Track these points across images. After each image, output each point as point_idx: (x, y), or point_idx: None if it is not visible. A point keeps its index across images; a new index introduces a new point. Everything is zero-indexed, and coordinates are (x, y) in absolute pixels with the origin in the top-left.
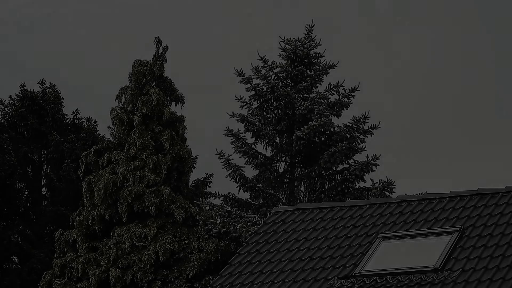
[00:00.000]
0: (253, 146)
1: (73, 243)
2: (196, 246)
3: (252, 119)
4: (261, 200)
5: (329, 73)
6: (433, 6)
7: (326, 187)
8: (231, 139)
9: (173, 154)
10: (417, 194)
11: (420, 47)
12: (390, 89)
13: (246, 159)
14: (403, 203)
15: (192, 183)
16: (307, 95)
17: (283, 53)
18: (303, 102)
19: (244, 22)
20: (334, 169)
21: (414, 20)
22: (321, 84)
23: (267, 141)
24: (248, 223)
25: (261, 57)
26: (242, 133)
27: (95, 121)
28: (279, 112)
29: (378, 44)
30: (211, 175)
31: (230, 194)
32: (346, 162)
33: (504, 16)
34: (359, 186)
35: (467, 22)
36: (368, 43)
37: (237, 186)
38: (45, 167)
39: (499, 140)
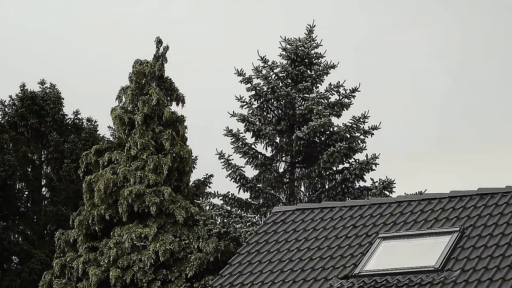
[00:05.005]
0: (253, 146)
1: (73, 243)
2: (196, 246)
3: (252, 119)
4: (261, 200)
5: (329, 73)
6: (435, 5)
7: (326, 187)
8: (231, 139)
9: (174, 154)
10: (417, 194)
11: (421, 47)
12: (391, 89)
13: (246, 159)
14: (403, 203)
15: (193, 183)
16: (308, 95)
17: (284, 53)
18: (303, 102)
19: (244, 21)
20: (334, 168)
21: (414, 20)
22: (321, 84)
23: (267, 141)
24: (248, 223)
25: (261, 57)
26: (242, 133)
27: (95, 121)
28: (279, 112)
29: (378, 43)
30: (211, 175)
31: (230, 194)
32: (347, 161)
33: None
34: (359, 185)
35: (467, 23)
36: (368, 43)
37: (237, 186)
38: (45, 167)
39: (502, 138)
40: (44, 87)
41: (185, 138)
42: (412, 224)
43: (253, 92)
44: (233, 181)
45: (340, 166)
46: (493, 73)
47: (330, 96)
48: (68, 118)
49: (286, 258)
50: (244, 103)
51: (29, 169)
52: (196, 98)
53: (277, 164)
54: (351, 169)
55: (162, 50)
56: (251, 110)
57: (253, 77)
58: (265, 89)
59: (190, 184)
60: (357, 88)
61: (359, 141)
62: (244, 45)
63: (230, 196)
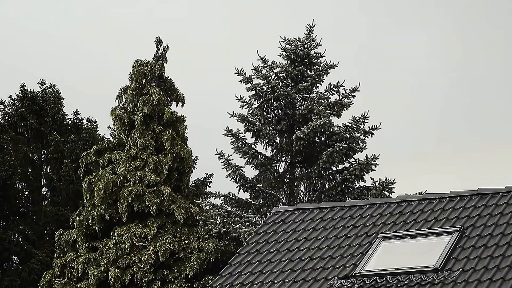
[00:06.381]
0: (253, 146)
1: (73, 243)
2: (196, 246)
3: (252, 119)
4: (261, 200)
5: (329, 73)
6: (436, 6)
7: (326, 187)
8: (231, 139)
9: (174, 154)
10: (417, 194)
11: (421, 47)
12: (391, 89)
13: (246, 159)
14: (403, 203)
15: (193, 183)
16: (307, 95)
17: (284, 53)
18: (303, 102)
19: (244, 21)
20: (334, 169)
21: (414, 20)
22: (321, 84)
23: (267, 141)
24: (248, 223)
25: (261, 57)
26: (242, 133)
27: (95, 121)
28: (279, 112)
29: (378, 43)
30: (211, 175)
31: (230, 194)
32: (347, 161)
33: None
34: (359, 185)
35: (467, 23)
36: (368, 43)
37: (237, 186)
38: (45, 167)
39: (502, 138)
40: (44, 87)
41: (185, 138)
42: (412, 224)
43: (253, 92)
44: (233, 181)
45: (340, 166)
46: (493, 73)
47: (330, 96)
48: (68, 118)
49: (286, 258)
50: (244, 103)
51: (29, 169)
52: (196, 98)
53: (277, 164)
54: (351, 169)
55: (162, 50)
56: (251, 110)
57: (253, 77)
58: (265, 89)
59: (190, 184)
60: (357, 88)
61: (359, 141)
62: (244, 45)
63: (230, 196)
